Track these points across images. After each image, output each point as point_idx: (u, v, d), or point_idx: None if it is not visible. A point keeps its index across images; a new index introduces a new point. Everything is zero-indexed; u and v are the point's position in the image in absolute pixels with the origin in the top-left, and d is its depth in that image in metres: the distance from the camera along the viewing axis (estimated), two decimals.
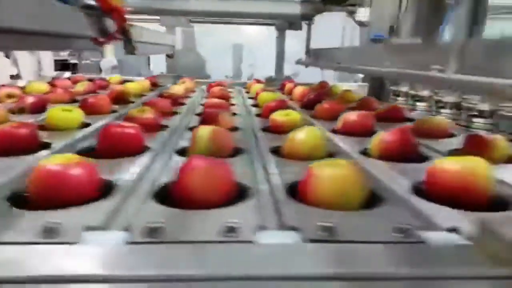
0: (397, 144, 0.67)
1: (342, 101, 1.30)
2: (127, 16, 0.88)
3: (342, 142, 0.79)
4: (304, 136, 0.67)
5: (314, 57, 1.50)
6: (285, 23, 1.71)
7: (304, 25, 1.65)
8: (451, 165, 0.50)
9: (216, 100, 1.08)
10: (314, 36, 1.61)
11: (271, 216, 0.45)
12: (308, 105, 1.22)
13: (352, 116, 0.87)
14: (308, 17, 1.39)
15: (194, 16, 1.76)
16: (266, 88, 1.54)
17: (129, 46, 0.97)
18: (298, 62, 1.71)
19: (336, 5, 1.22)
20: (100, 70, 3.11)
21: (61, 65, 3.39)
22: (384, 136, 0.69)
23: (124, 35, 0.87)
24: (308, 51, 1.60)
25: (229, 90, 1.69)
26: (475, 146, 0.68)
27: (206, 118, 0.83)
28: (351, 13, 1.13)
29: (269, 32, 1.87)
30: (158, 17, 1.84)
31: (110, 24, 0.87)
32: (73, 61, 3.73)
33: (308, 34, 1.55)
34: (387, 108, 1.10)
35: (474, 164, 0.49)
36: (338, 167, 0.48)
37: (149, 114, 0.83)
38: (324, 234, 0.39)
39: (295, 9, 1.34)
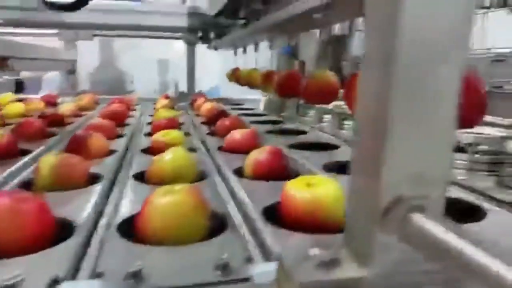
0: (268, 163, 0.64)
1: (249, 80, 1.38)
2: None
3: (221, 161, 0.75)
4: (168, 158, 0.62)
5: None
6: (193, 37, 1.67)
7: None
8: (299, 189, 0.47)
9: (100, 121, 0.99)
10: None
11: (88, 261, 0.39)
12: (211, 121, 1.18)
13: (236, 134, 0.84)
14: (195, 30, 1.37)
15: (78, 29, 1.66)
16: (172, 104, 1.48)
17: None
18: (209, 47, 1.78)
19: (227, 19, 1.21)
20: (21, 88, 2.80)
21: None
22: (255, 155, 0.66)
23: None
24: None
25: (135, 107, 1.61)
26: None
27: (71, 144, 0.75)
28: (245, 26, 1.13)
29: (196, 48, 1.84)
30: (55, 31, 1.71)
31: None
32: None
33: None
34: (285, 75, 1.13)
35: (323, 189, 0.46)
36: (174, 194, 0.43)
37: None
38: (130, 282, 0.33)
39: (183, 22, 1.31)
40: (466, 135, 0.76)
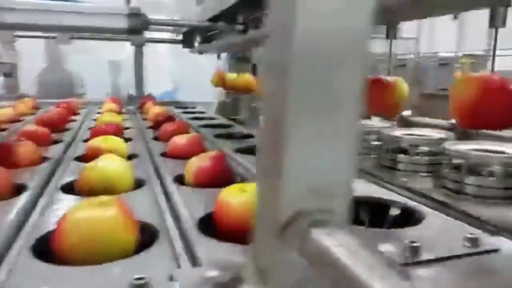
0: (210, 170, 0.62)
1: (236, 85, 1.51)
2: None
3: (162, 168, 0.71)
4: (99, 166, 0.58)
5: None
6: (140, 39, 1.61)
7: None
8: (232, 196, 0.45)
9: (33, 127, 0.92)
10: None
11: None
12: (158, 126, 1.14)
13: (180, 139, 0.81)
14: (136, 31, 1.34)
15: (12, 29, 1.56)
16: (120, 108, 1.43)
17: None
18: (193, 51, 1.84)
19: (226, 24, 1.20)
20: None
21: None
22: (197, 162, 0.63)
23: None
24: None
25: (80, 111, 1.54)
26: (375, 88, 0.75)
27: None
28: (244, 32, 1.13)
29: (148, 49, 1.77)
30: None
31: None
32: None
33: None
34: None
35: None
36: (95, 208, 0.40)
37: None
38: None
39: (123, 23, 1.27)
40: (407, 137, 0.77)
